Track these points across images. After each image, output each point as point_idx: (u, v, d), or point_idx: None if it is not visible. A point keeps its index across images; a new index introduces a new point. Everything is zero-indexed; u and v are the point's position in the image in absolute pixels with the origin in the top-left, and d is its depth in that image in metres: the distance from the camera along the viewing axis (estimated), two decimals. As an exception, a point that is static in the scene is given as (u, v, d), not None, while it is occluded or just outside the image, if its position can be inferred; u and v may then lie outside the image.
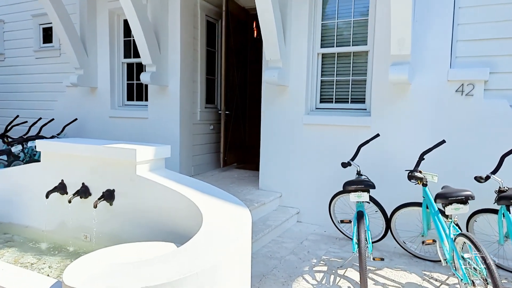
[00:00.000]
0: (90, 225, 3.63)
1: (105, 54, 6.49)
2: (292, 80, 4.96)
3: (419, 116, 4.26)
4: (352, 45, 4.75)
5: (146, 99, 6.41)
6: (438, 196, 2.94)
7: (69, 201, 3.49)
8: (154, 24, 5.71)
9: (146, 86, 6.37)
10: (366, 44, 4.65)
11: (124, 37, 6.54)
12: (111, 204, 3.49)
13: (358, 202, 3.41)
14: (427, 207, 3.56)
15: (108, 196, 3.44)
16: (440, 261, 3.75)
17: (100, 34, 6.50)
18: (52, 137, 6.43)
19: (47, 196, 3.60)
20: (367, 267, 3.72)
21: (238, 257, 2.34)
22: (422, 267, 3.71)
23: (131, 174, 3.35)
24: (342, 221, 3.82)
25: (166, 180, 3.31)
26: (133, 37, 6.41)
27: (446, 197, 2.86)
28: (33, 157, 6.37)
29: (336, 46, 4.84)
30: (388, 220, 3.91)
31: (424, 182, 3.47)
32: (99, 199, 3.36)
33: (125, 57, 6.58)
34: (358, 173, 3.93)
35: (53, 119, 6.73)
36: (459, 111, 4.08)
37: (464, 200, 2.82)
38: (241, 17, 6.76)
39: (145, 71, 5.71)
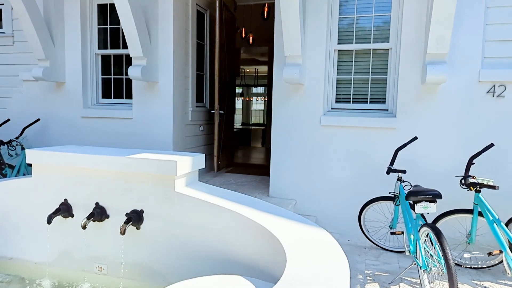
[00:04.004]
0: (106, 254, 2.95)
1: (76, 44, 5.57)
2: (308, 78, 4.58)
3: (449, 118, 4.12)
4: (373, 42, 4.49)
5: (127, 97, 5.62)
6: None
7: (84, 227, 2.78)
8: (144, 10, 4.97)
9: (128, 81, 5.58)
10: (389, 42, 4.42)
11: (98, 25, 5.66)
12: (138, 228, 2.84)
13: (418, 213, 3.14)
14: (480, 215, 3.41)
15: (136, 218, 2.79)
16: (484, 268, 3.64)
17: (69, 21, 5.55)
18: (10, 141, 5.38)
19: (49, 221, 2.83)
20: (411, 278, 3.49)
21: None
22: (468, 276, 3.56)
23: (168, 191, 2.74)
24: (393, 233, 3.54)
25: (212, 197, 2.75)
26: (109, 25, 5.58)
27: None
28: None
29: (355, 43, 4.55)
30: (429, 228, 3.71)
31: (478, 188, 3.32)
32: (125, 223, 2.70)
33: (99, 47, 5.70)
34: (399, 179, 3.68)
35: (9, 120, 5.65)
36: (490, 113, 4.00)
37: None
38: (231, 8, 6.22)
39: (131, 64, 4.95)
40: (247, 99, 17.97)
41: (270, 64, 9.69)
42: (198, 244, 2.71)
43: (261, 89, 18.53)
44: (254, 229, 2.47)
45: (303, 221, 2.58)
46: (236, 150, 8.86)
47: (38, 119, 5.61)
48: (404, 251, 4.01)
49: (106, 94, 5.78)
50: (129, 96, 5.61)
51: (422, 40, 4.13)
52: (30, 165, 5.46)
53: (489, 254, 3.12)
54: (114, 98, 5.73)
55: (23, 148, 5.41)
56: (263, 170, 6.55)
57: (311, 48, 4.53)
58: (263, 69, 15.28)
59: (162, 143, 5.21)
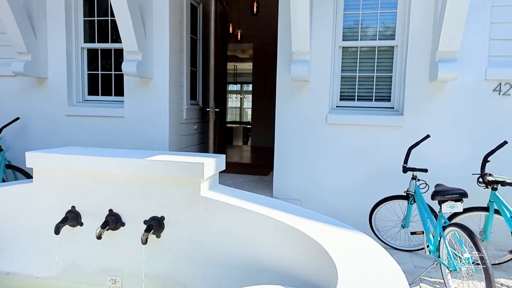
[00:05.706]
0: (121, 265, 2.70)
1: (60, 37, 5.16)
2: (313, 75, 4.46)
3: (456, 115, 4.13)
4: (378, 39, 4.43)
5: (117, 94, 5.29)
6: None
7: (99, 237, 2.52)
8: (138, 3, 4.67)
9: (117, 78, 5.25)
10: (394, 39, 4.38)
11: (84, 17, 5.28)
12: (158, 236, 2.62)
13: (442, 213, 3.10)
14: (497, 212, 3.42)
15: (157, 226, 2.56)
16: (496, 264, 3.67)
17: (52, 11, 5.14)
18: (-13, 142, 4.93)
19: (57, 232, 2.56)
20: (430, 278, 3.47)
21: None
22: (482, 273, 3.57)
23: (193, 195, 2.54)
24: (413, 233, 3.49)
25: (239, 200, 2.57)
26: (96, 17, 5.22)
27: None
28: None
29: (360, 40, 4.48)
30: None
31: (495, 186, 3.32)
32: (146, 231, 2.48)
33: (85, 41, 5.33)
34: (414, 178, 3.64)
35: (-16, 119, 5.18)
36: (496, 111, 4.04)
37: None
38: (224, 2, 6.00)
39: (121, 59, 4.65)
40: (224, 96, 17.71)
41: (255, 60, 9.53)
42: (226, 251, 2.53)
43: (237, 87, 18.35)
44: (290, 234, 2.32)
45: (339, 224, 2.46)
46: (234, 148, 8.64)
47: (17, 118, 5.17)
48: (415, 250, 3.99)
49: (93, 91, 5.42)
50: (118, 93, 5.28)
51: (430, 38, 4.12)
52: (10, 167, 5.03)
53: (511, 251, 3.12)
54: (102, 95, 5.38)
55: (1, 150, 4.97)
56: (257, 169, 6.40)
57: (317, 44, 4.42)
58: (242, 66, 15.10)
59: (157, 143, 4.94)
